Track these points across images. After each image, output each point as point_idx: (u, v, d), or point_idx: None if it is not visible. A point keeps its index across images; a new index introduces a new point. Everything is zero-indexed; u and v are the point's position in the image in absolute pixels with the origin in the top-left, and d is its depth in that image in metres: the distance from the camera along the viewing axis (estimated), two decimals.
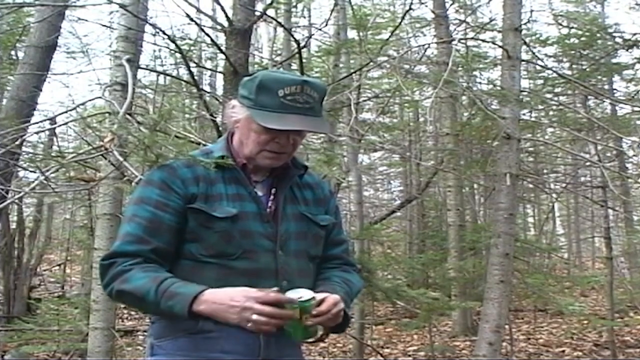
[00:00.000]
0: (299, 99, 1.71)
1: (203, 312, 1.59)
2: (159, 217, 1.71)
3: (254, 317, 1.55)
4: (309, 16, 11.25)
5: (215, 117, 4.70)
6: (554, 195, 11.14)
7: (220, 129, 4.17)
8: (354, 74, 6.08)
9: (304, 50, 7.18)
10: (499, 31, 5.94)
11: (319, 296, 1.65)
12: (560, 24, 9.91)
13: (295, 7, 8.86)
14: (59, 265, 12.21)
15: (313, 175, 1.97)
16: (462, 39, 8.47)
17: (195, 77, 5.93)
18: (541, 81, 8.55)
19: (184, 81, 7.28)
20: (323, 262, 1.91)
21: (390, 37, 6.82)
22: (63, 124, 5.04)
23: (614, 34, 8.06)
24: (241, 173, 1.80)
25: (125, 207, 1.87)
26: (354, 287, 1.87)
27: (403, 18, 6.32)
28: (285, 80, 1.73)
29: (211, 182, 1.76)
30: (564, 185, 10.57)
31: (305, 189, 1.90)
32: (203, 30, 5.39)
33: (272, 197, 1.82)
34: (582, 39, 7.98)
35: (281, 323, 1.59)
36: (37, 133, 6.77)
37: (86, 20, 9.95)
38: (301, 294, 1.62)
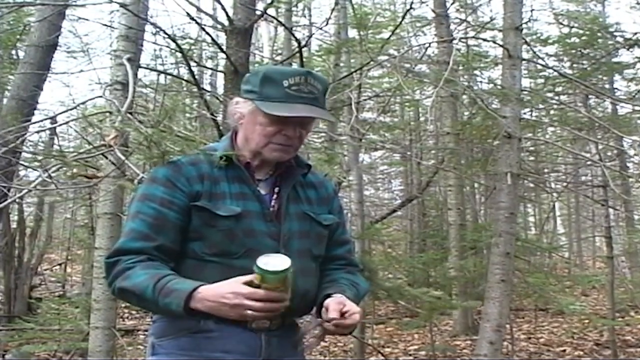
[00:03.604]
0: (304, 89, 1.72)
1: (200, 309, 1.58)
2: (163, 214, 1.71)
3: (249, 312, 1.55)
4: (310, 15, 11.23)
5: (216, 117, 4.69)
6: (555, 195, 11.14)
7: (221, 128, 4.16)
8: (354, 73, 6.06)
9: (305, 49, 7.16)
10: (500, 30, 5.93)
11: (328, 302, 1.64)
12: (561, 23, 9.90)
13: (296, 6, 8.86)
14: (60, 264, 12.20)
15: (317, 175, 1.96)
16: (462, 38, 8.47)
17: (196, 77, 5.93)
18: (542, 80, 8.53)
19: (185, 80, 7.28)
20: (326, 262, 1.89)
21: (390, 36, 6.80)
22: (64, 123, 5.05)
23: (615, 33, 8.05)
24: (245, 172, 1.79)
25: (129, 204, 1.86)
26: (361, 289, 1.87)
27: (404, 17, 6.31)
28: (289, 71, 1.77)
29: (215, 181, 1.76)
30: (564, 184, 10.56)
31: (309, 188, 1.89)
32: (204, 30, 5.40)
33: (275, 196, 1.81)
34: (583, 38, 7.98)
35: (277, 310, 1.58)
36: (37, 132, 6.80)
37: (87, 20, 10.00)
38: (276, 261, 1.53)
